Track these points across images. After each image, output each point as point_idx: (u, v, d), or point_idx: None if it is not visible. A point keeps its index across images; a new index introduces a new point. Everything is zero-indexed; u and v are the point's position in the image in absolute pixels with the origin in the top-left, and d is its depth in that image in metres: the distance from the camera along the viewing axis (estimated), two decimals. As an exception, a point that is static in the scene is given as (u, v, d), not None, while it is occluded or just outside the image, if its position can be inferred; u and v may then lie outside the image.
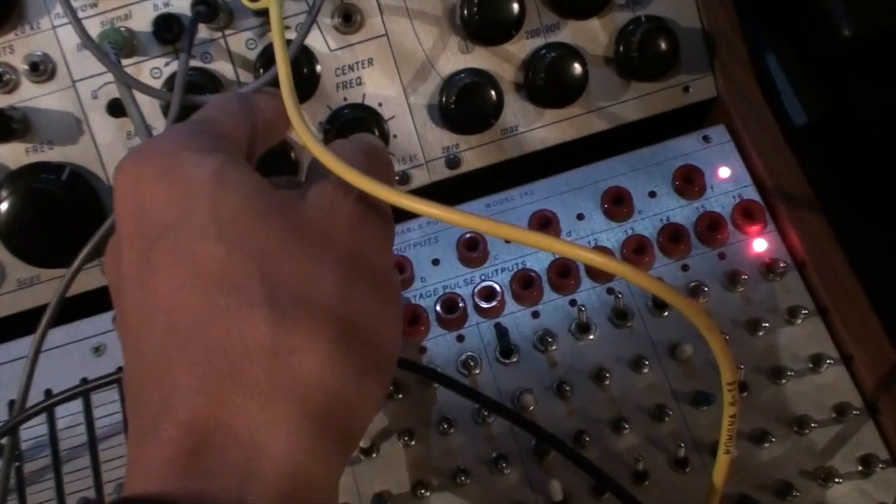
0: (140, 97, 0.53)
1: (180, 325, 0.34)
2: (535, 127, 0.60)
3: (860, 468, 0.51)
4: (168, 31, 0.57)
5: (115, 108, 0.58)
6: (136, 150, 0.38)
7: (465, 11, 0.58)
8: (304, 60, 0.58)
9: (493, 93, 0.58)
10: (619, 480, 0.51)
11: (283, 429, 0.33)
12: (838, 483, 0.51)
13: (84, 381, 0.56)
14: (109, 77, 0.57)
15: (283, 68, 0.44)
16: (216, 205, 0.35)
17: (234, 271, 0.34)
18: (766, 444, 0.52)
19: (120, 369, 0.56)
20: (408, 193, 0.37)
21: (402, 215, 0.58)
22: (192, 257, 0.34)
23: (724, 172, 0.59)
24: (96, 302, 0.58)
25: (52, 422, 0.55)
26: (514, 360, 0.55)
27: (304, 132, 0.40)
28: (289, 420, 0.33)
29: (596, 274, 0.56)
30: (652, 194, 0.59)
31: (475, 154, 0.60)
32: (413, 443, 0.53)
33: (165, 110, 0.58)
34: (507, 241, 0.58)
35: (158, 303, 0.35)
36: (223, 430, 0.33)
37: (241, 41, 0.59)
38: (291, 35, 0.57)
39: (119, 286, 0.38)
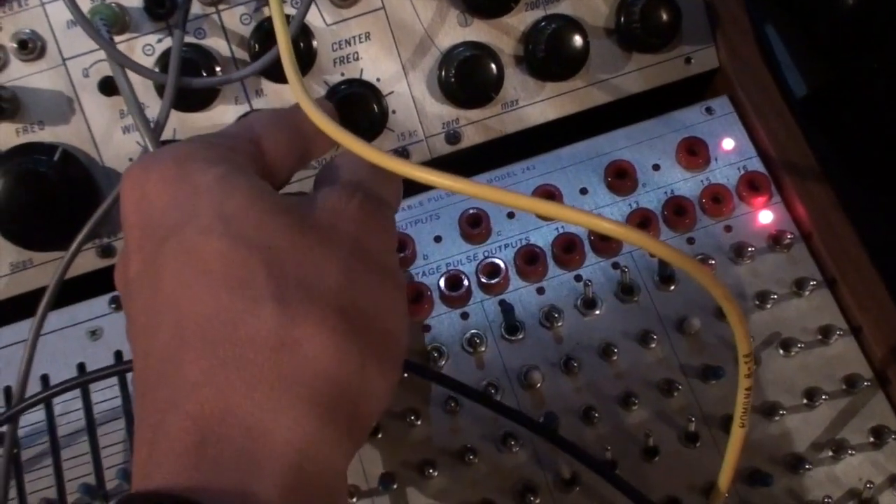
0: (133, 74, 0.52)
1: (186, 321, 0.34)
2: (536, 100, 0.59)
3: (872, 439, 0.51)
4: (160, 6, 0.56)
5: (108, 87, 0.56)
6: (141, 157, 0.40)
7: (464, -17, 0.57)
8: (300, 35, 0.56)
9: (493, 66, 0.57)
10: (629, 456, 0.51)
11: (289, 417, 0.33)
12: (850, 455, 0.50)
13: (81, 367, 0.55)
14: (101, 55, 0.56)
15: (283, 44, 0.43)
16: (221, 204, 0.36)
17: (238, 266, 0.35)
18: (777, 418, 0.51)
19: (119, 357, 0.55)
20: (422, 165, 0.36)
21: (403, 191, 0.57)
22: (198, 255, 0.35)
23: (727, 144, 0.58)
24: (90, 286, 0.57)
25: (49, 410, 0.54)
26: (520, 336, 0.54)
27: (312, 109, 0.39)
28: (294, 408, 0.33)
29: (601, 248, 0.56)
30: (656, 167, 0.58)
31: (475, 129, 0.59)
32: (419, 422, 0.52)
33: (159, 88, 0.56)
34: (537, 215, 0.57)
35: (165, 302, 0.35)
36: (230, 421, 0.33)
37: (235, 16, 0.57)
38: (287, 9, 0.56)
39: (128, 290, 0.38)
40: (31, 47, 0.56)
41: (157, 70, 0.56)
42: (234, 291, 0.34)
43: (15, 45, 0.56)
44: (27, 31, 0.56)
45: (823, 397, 0.51)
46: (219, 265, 0.35)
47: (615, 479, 0.49)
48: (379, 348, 0.37)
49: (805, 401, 0.52)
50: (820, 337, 0.53)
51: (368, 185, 0.40)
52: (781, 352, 0.53)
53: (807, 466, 0.50)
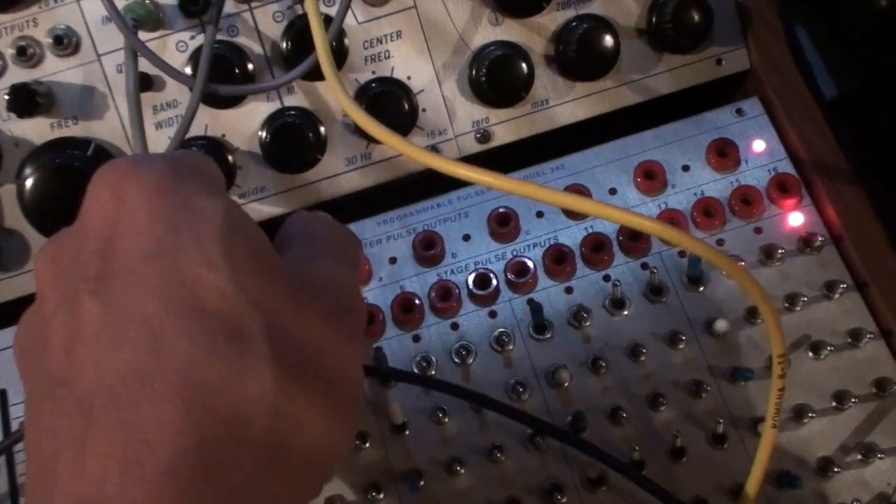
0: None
1: (167, 351, 0.31)
2: (566, 100, 0.60)
3: (902, 443, 0.51)
4: (194, 3, 0.56)
5: (142, 82, 0.57)
6: (132, 157, 0.35)
7: (496, -17, 0.58)
8: (331, 33, 0.57)
9: (523, 66, 0.58)
10: (656, 457, 0.51)
11: (284, 494, 0.33)
12: (880, 459, 0.50)
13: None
14: (135, 51, 0.56)
15: (321, 46, 0.43)
16: (226, 242, 0.33)
17: (240, 316, 0.32)
18: (806, 420, 0.51)
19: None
20: (467, 163, 0.36)
21: (433, 190, 0.58)
22: (195, 287, 0.32)
23: (758, 146, 0.58)
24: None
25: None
26: (548, 336, 0.54)
27: (353, 109, 0.39)
28: (290, 486, 0.34)
29: (630, 249, 0.56)
30: (685, 168, 0.58)
31: (505, 128, 0.60)
32: (446, 420, 0.52)
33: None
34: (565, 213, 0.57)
35: (138, 322, 0.31)
36: (208, 494, 0.30)
37: (268, 14, 0.58)
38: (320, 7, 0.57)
39: (74, 291, 0.33)
40: (66, 43, 0.57)
41: (188, 69, 0.56)
42: (230, 341, 0.31)
43: (50, 41, 0.57)
44: (62, 26, 0.57)
45: (853, 400, 0.51)
46: (218, 306, 0.32)
47: (643, 480, 0.49)
48: (355, 412, 0.37)
49: (834, 403, 0.52)
50: (850, 340, 0.53)
51: (354, 255, 0.42)
52: (811, 354, 0.53)
53: (835, 469, 0.50)
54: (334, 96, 0.41)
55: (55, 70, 0.57)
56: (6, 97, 0.55)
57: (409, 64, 0.59)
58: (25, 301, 0.58)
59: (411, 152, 0.37)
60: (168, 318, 0.31)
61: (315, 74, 0.55)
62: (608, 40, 0.58)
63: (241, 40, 0.58)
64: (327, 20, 0.55)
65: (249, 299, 0.32)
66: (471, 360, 0.54)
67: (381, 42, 0.58)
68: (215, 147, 0.57)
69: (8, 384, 0.55)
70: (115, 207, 0.33)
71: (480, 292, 0.55)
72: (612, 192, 0.58)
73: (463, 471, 0.51)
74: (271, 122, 0.57)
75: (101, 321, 0.31)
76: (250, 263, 0.33)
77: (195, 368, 0.31)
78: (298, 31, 0.56)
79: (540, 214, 0.57)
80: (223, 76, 0.55)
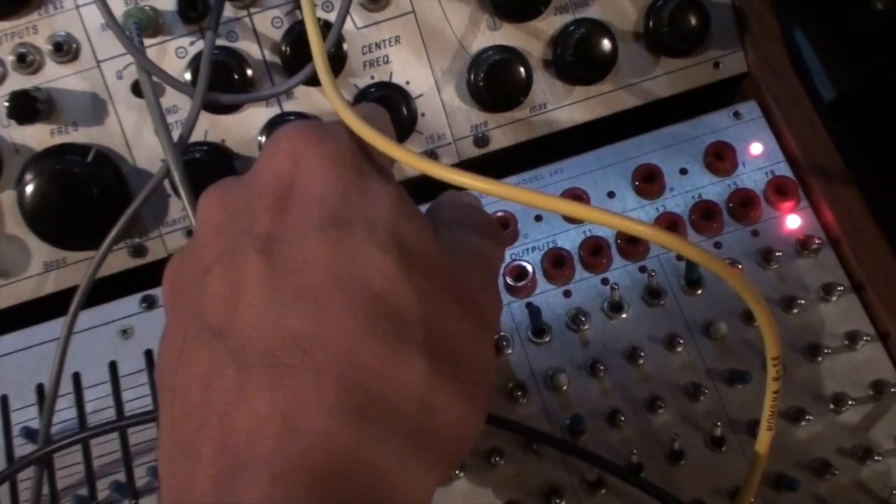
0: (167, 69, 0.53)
1: (330, 325, 0.31)
2: (564, 104, 0.60)
3: (898, 446, 0.51)
4: (193, 9, 0.56)
5: (140, 89, 0.57)
6: (315, 126, 0.36)
7: (493, -12, 0.58)
8: (330, 39, 0.57)
9: (521, 70, 0.58)
10: (655, 460, 0.51)
11: (417, 473, 0.33)
12: (877, 461, 0.50)
13: (113, 365, 0.55)
14: (134, 57, 0.57)
15: (318, 53, 0.43)
16: (397, 228, 0.34)
17: (401, 302, 0.32)
18: (803, 423, 0.51)
19: (149, 356, 0.55)
20: (454, 167, 0.37)
21: (431, 195, 0.58)
22: (363, 264, 0.32)
23: (755, 149, 0.58)
24: (122, 285, 0.58)
25: (81, 409, 0.54)
26: (547, 339, 0.54)
27: (348, 114, 0.39)
28: (430, 471, 0.33)
29: (628, 252, 0.56)
30: (683, 171, 0.58)
31: (504, 132, 0.60)
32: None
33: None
34: (565, 218, 0.57)
35: (299, 287, 0.32)
36: (358, 468, 0.31)
37: (266, 19, 0.58)
38: (318, 13, 0.57)
39: (238, 241, 0.34)
40: (65, 49, 0.57)
41: (187, 78, 0.57)
42: (389, 325, 0.32)
43: (50, 48, 0.57)
44: (62, 33, 0.57)
45: (850, 403, 0.51)
46: (383, 289, 0.32)
47: (643, 484, 0.49)
48: (486, 407, 0.37)
49: (832, 406, 0.52)
50: (847, 342, 0.53)
51: (498, 250, 0.42)
52: (808, 357, 0.53)
53: (833, 472, 0.50)
54: (331, 103, 0.40)
55: (55, 76, 0.57)
56: (6, 104, 0.56)
57: (408, 69, 0.59)
58: (26, 307, 0.59)
59: (406, 158, 0.37)
60: (334, 291, 0.32)
61: (315, 80, 0.55)
62: (606, 44, 0.58)
63: (241, 45, 0.58)
64: (326, 26, 0.56)
65: (412, 286, 0.33)
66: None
67: (379, 47, 0.59)
68: (216, 152, 0.57)
69: (8, 389, 0.55)
70: (291, 171, 0.34)
71: (479, 296, 0.55)
72: (611, 195, 0.58)
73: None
74: (271, 127, 0.57)
75: (266, 282, 0.32)
76: (414, 251, 0.34)
77: (356, 347, 0.31)
78: (297, 36, 0.57)
79: (539, 218, 0.57)
80: (223, 82, 0.56)
